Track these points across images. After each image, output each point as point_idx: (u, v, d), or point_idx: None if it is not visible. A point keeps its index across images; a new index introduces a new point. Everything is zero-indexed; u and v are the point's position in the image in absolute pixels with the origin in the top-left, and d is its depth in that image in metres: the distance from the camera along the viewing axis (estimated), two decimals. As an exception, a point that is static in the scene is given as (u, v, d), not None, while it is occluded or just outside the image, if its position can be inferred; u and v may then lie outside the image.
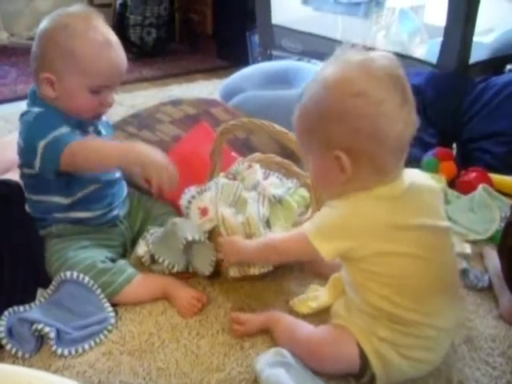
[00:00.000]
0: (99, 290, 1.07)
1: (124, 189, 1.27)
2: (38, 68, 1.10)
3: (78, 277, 1.06)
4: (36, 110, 1.10)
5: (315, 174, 0.93)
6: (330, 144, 0.83)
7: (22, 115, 1.12)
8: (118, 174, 1.25)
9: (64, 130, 1.08)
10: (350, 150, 0.82)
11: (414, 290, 0.87)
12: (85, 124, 1.16)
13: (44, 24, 1.11)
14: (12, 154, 1.40)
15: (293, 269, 1.20)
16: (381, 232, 0.84)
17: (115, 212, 1.21)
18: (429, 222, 0.88)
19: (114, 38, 1.12)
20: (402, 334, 0.88)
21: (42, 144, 1.06)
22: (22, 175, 1.18)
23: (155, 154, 1.09)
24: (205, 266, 1.12)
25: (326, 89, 0.83)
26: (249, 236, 1.09)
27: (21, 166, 1.17)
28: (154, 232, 1.17)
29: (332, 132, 0.83)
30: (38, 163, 1.07)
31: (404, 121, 0.82)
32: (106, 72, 1.11)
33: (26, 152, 1.11)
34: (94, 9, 1.15)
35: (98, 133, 1.19)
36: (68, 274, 1.07)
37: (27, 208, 1.18)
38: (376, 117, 0.80)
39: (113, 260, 1.14)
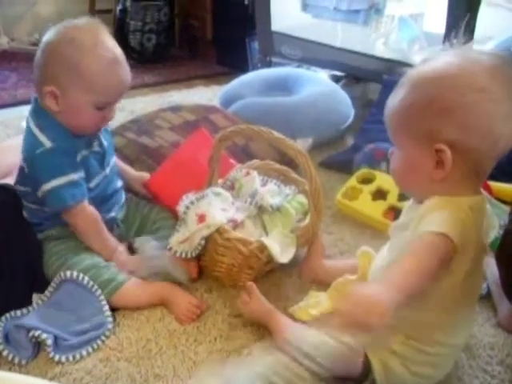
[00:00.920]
0: (99, 291, 1.07)
1: (123, 195, 1.27)
2: (41, 80, 1.08)
3: (77, 277, 1.07)
4: (46, 141, 1.07)
5: (403, 168, 0.86)
6: (434, 136, 0.78)
7: (27, 136, 1.10)
8: (120, 184, 1.25)
9: (71, 176, 1.08)
10: (455, 146, 0.77)
11: (448, 306, 0.86)
12: (91, 141, 1.15)
13: (50, 36, 1.08)
14: (11, 159, 1.41)
15: (291, 274, 1.20)
16: (472, 245, 0.80)
17: (112, 214, 1.22)
18: (486, 244, 0.86)
19: (119, 52, 1.10)
20: (415, 350, 0.88)
21: (48, 185, 1.07)
22: (20, 191, 1.17)
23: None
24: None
25: (442, 80, 0.78)
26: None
27: (17, 184, 1.17)
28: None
29: (439, 124, 0.78)
30: (40, 195, 1.10)
31: None
32: (113, 89, 1.10)
33: (29, 181, 1.12)
34: (100, 20, 1.12)
35: (101, 145, 1.18)
36: (68, 273, 1.07)
37: (25, 213, 1.18)
38: (495, 116, 0.76)
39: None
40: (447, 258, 0.77)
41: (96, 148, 1.16)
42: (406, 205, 0.96)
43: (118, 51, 1.09)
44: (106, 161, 1.19)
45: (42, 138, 1.08)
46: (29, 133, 1.10)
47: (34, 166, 1.09)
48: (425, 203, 0.83)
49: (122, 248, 1.18)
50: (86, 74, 1.05)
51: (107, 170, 1.19)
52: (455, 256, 0.77)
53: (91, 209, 1.12)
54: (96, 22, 1.12)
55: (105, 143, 1.19)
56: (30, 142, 1.09)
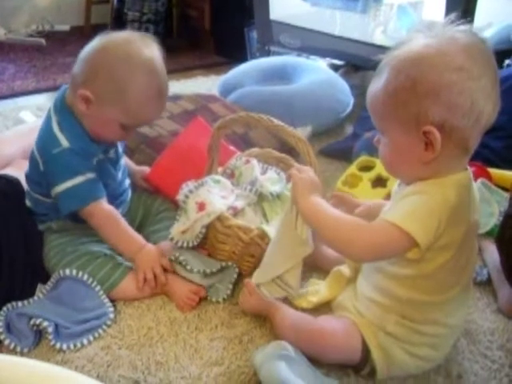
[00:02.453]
0: (98, 287, 1.07)
1: (129, 192, 1.27)
2: (81, 80, 1.06)
3: (76, 274, 1.07)
4: (64, 141, 1.06)
5: (393, 154, 0.86)
6: (421, 119, 0.79)
7: (45, 131, 1.09)
8: (128, 182, 1.25)
9: (88, 175, 1.07)
10: (442, 127, 0.78)
11: (438, 286, 0.86)
12: (108, 149, 1.15)
13: (108, 42, 1.06)
14: (10, 150, 1.41)
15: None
16: (459, 223, 0.81)
17: (119, 211, 1.20)
18: (476, 218, 0.87)
19: (165, 79, 1.09)
20: (411, 330, 0.88)
21: (62, 186, 1.06)
22: (30, 181, 1.16)
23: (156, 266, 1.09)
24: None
25: (422, 62, 0.78)
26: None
27: (28, 175, 1.16)
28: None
29: (425, 107, 0.78)
30: (53, 195, 1.08)
31: (494, 101, 0.79)
32: (146, 119, 1.13)
33: (43, 178, 1.10)
34: (155, 39, 1.11)
35: (116, 152, 1.18)
36: (67, 271, 1.07)
37: (28, 203, 1.18)
38: (475, 93, 0.77)
39: (111, 256, 1.13)
40: (399, 250, 0.81)
41: (112, 155, 1.17)
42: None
43: (164, 79, 1.09)
44: (119, 165, 1.20)
45: (61, 137, 1.07)
46: (48, 128, 1.09)
47: (51, 165, 1.08)
48: (408, 187, 0.85)
49: (151, 245, 1.13)
50: (129, 100, 1.05)
51: (119, 174, 1.20)
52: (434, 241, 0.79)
53: (108, 206, 1.10)
54: (153, 42, 1.10)
55: (120, 150, 1.20)
56: (48, 139, 1.08)
